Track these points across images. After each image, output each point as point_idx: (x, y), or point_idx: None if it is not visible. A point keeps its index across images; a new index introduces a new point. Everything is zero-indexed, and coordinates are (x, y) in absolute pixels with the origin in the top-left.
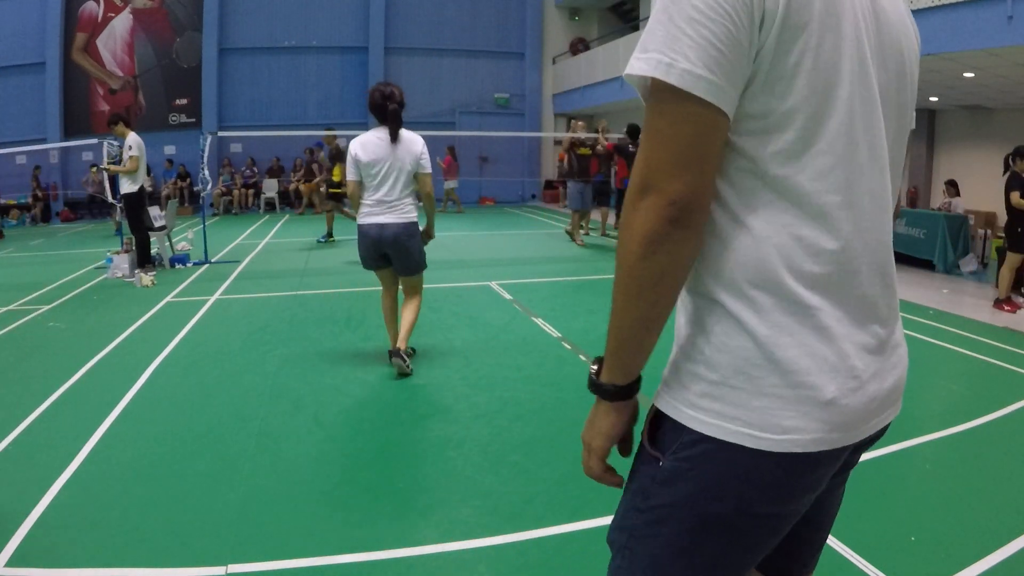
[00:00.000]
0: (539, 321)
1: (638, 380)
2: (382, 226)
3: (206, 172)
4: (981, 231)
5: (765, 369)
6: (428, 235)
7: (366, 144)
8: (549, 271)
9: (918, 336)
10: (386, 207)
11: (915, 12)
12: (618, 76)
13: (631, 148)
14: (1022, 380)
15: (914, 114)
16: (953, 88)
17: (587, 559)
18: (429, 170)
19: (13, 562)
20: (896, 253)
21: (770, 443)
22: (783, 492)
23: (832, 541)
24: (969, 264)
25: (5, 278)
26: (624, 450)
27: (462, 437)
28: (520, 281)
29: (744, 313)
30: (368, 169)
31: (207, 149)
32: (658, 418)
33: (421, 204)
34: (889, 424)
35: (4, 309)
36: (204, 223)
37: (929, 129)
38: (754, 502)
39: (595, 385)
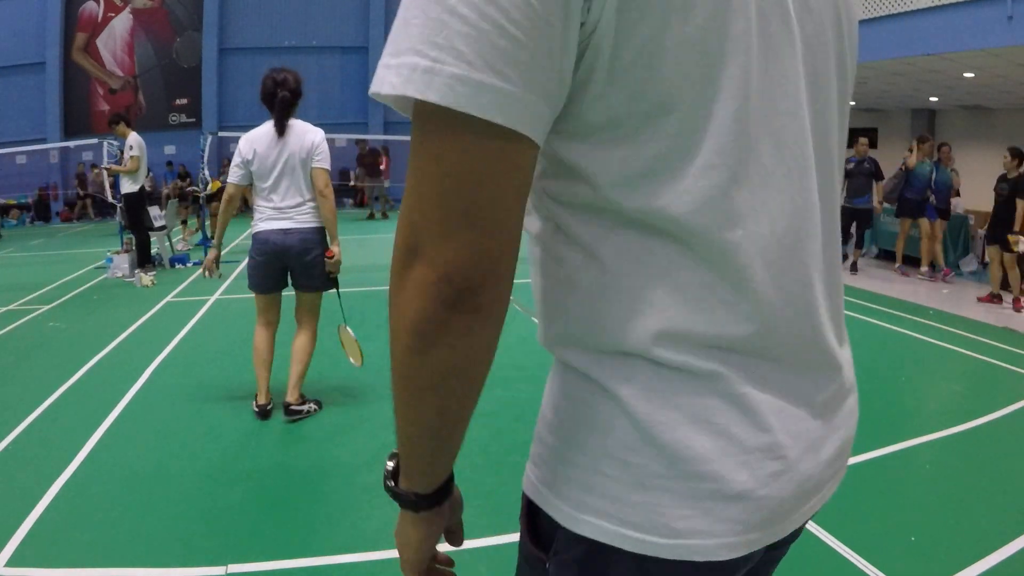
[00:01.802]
0: None
1: (447, 484)
2: (285, 232)
3: (206, 172)
4: (981, 231)
5: (645, 455)
6: (330, 256)
7: (253, 140)
8: None
9: (918, 336)
10: (284, 214)
11: (915, 12)
12: None
13: None
14: (1022, 380)
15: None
16: (953, 88)
17: None
18: (325, 165)
19: (13, 562)
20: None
21: (656, 547)
22: None
23: (832, 541)
24: (969, 264)
25: (5, 278)
26: (454, 541)
27: None
28: (520, 281)
29: (612, 382)
30: (257, 169)
31: (207, 149)
32: (534, 506)
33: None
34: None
35: (4, 309)
36: (204, 223)
37: (929, 129)
38: None
39: (391, 492)
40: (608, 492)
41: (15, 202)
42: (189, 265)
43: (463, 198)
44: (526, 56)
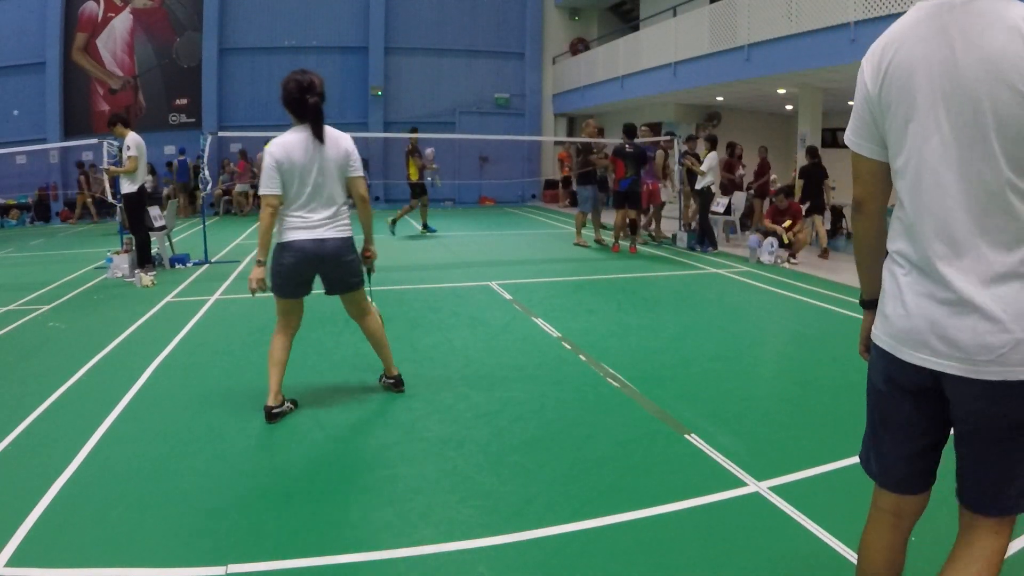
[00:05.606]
0: (539, 321)
1: (873, 302)
2: (321, 241)
3: (206, 172)
4: None
5: (886, 297)
6: (368, 256)
7: (288, 146)
8: (549, 271)
9: None
10: (321, 222)
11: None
12: (617, 76)
13: (628, 148)
14: None
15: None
16: None
17: (587, 559)
18: (361, 172)
19: (13, 562)
20: None
21: (877, 338)
22: (878, 372)
23: (832, 540)
24: None
25: (5, 278)
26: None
27: (462, 437)
28: (520, 281)
29: (885, 267)
30: (292, 177)
31: (207, 149)
32: None
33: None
34: (988, 380)
35: (4, 309)
36: (204, 223)
37: None
38: (874, 377)
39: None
40: (880, 310)
41: (15, 202)
42: (189, 265)
43: (855, 173)
44: (863, 127)
